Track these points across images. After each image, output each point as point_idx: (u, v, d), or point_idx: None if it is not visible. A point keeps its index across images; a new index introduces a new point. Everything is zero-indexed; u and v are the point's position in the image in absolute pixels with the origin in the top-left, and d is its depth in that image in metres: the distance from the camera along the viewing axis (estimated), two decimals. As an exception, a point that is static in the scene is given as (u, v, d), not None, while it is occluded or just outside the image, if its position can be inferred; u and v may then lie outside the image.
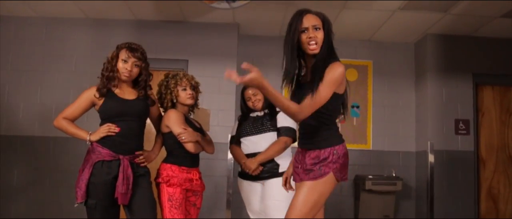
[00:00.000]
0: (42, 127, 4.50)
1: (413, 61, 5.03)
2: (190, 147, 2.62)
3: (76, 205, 2.44)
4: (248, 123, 3.15)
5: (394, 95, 5.00)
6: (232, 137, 3.27)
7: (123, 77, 2.55)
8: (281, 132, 3.04)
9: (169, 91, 2.74)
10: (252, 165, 2.97)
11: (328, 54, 2.09)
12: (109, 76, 2.54)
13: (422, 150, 4.70)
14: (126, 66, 2.52)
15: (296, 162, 2.25)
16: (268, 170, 3.00)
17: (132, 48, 2.54)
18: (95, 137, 2.47)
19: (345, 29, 4.58)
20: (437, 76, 4.67)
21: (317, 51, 2.07)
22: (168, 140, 2.70)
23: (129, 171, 2.45)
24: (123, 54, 2.53)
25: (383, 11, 4.14)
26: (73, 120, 2.59)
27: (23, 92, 4.55)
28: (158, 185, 2.64)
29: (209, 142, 2.85)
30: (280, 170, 2.97)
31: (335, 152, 2.10)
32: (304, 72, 2.25)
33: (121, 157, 2.46)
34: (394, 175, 4.59)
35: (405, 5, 3.96)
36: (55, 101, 4.51)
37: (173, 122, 2.65)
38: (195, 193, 2.73)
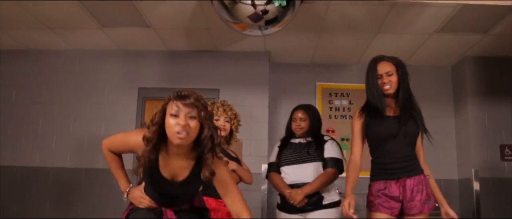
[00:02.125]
0: (74, 159, 4.51)
1: (451, 85, 4.84)
2: None
3: None
4: (290, 150, 3.01)
5: (433, 121, 4.73)
6: (271, 164, 3.10)
7: (177, 141, 1.76)
8: (329, 163, 2.89)
9: None
10: (298, 197, 2.81)
11: (409, 94, 2.51)
12: (150, 140, 1.80)
13: (466, 178, 4.44)
14: (178, 121, 1.75)
15: (382, 194, 2.41)
16: (312, 202, 2.83)
17: (183, 96, 1.80)
18: (131, 199, 2.04)
19: (379, 54, 4.42)
20: (478, 100, 4.47)
21: (391, 91, 2.47)
22: None
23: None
24: (171, 108, 1.78)
25: (419, 34, 4.02)
26: (119, 154, 2.12)
27: (56, 124, 4.59)
28: None
29: (246, 172, 2.74)
30: (324, 202, 2.84)
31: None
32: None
33: (163, 208, 1.99)
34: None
35: (442, 27, 3.83)
36: (87, 133, 4.53)
37: None
38: None
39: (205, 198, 2.49)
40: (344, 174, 2.77)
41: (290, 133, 3.10)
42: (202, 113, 1.80)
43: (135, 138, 1.91)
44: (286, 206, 2.91)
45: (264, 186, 4.32)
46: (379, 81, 2.48)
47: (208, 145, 1.81)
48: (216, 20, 3.59)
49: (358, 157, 2.51)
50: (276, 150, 3.13)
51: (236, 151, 2.94)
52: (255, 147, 4.40)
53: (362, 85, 4.70)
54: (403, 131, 2.43)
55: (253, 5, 2.90)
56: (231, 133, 2.79)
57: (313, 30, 4.00)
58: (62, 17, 3.86)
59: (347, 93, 4.73)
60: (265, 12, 2.82)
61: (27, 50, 4.71)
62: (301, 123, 3.01)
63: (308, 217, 2.85)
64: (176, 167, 1.89)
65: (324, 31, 4.00)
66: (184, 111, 1.77)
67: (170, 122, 1.77)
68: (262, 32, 3.25)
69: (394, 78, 2.48)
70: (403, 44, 4.25)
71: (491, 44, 4.18)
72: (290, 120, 3.11)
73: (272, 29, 3.21)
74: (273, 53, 4.62)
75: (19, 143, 4.57)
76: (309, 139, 3.02)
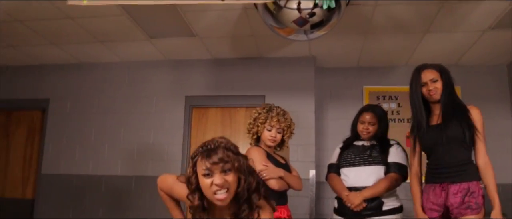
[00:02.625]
0: (125, 167, 4.64)
1: (507, 84, 4.59)
2: (272, 183, 2.50)
3: None
4: (352, 151, 2.92)
5: (488, 122, 4.51)
6: (331, 165, 3.03)
7: (219, 203, 1.63)
8: (392, 168, 2.78)
9: (256, 124, 2.65)
10: (356, 200, 2.71)
11: (453, 99, 2.50)
12: (196, 208, 1.69)
13: (524, 182, 4.20)
14: (213, 180, 1.61)
15: (428, 198, 2.42)
16: (372, 207, 2.73)
17: (209, 151, 1.63)
18: None
19: (428, 54, 4.30)
20: (537, 99, 4.22)
21: (437, 97, 2.50)
22: None
23: None
24: (200, 167, 1.63)
25: (471, 32, 3.84)
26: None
27: (108, 133, 4.75)
28: None
29: (295, 178, 2.69)
30: (384, 208, 2.73)
31: (481, 185, 2.32)
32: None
33: None
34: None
35: (497, 24, 3.65)
36: (137, 141, 4.65)
37: (254, 158, 2.55)
38: None
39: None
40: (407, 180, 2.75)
41: (355, 134, 3.01)
42: (236, 164, 1.63)
43: (179, 191, 1.86)
44: (343, 210, 2.82)
45: (313, 193, 4.26)
46: (424, 89, 2.54)
47: (243, 196, 1.67)
48: (260, 26, 3.62)
49: (418, 169, 2.59)
50: (337, 151, 3.06)
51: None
52: (302, 153, 4.35)
53: (411, 88, 4.58)
54: (444, 137, 2.42)
55: (299, 9, 2.88)
56: (282, 141, 2.76)
57: (359, 33, 3.92)
58: (112, 30, 4.00)
59: (395, 96, 4.59)
60: (312, 14, 2.78)
61: (80, 63, 4.92)
62: (370, 127, 2.92)
63: None
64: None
65: (370, 33, 3.91)
66: (217, 168, 1.61)
67: (205, 182, 1.62)
68: (308, 36, 3.21)
69: (439, 85, 2.52)
70: (454, 43, 4.08)
71: (552, 39, 3.94)
72: (356, 120, 3.01)
73: (317, 33, 3.17)
74: (319, 57, 4.57)
75: (73, 153, 4.76)
76: (373, 142, 2.92)
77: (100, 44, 4.36)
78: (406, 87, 4.45)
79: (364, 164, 2.83)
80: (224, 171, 1.62)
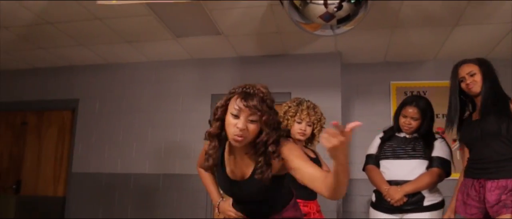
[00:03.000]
0: (153, 164, 4.70)
1: (542, 78, 4.44)
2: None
3: None
4: (394, 143, 2.81)
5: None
6: (369, 156, 2.92)
7: (233, 142, 1.71)
8: (436, 162, 2.66)
9: (286, 117, 2.63)
10: (397, 195, 2.61)
11: (493, 91, 2.40)
12: (212, 136, 1.80)
13: None
14: (237, 123, 1.66)
15: (468, 194, 2.35)
16: (412, 202, 2.62)
17: (247, 95, 1.69)
18: (221, 213, 2.11)
19: (458, 48, 4.21)
20: None
21: (476, 90, 2.43)
22: None
23: None
24: (233, 105, 1.70)
25: (504, 23, 3.72)
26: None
27: (135, 132, 4.82)
28: None
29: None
30: (426, 204, 2.63)
31: None
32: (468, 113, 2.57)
33: None
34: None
35: (531, 14, 3.53)
36: (164, 139, 4.71)
37: None
38: None
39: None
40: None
41: (397, 126, 2.89)
42: (264, 118, 1.67)
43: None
44: (381, 204, 2.73)
45: (340, 190, 4.21)
46: (463, 84, 2.49)
47: (260, 149, 1.71)
48: (286, 23, 3.61)
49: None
50: (377, 141, 2.94)
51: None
52: (329, 150, 4.31)
53: (440, 82, 4.50)
54: (480, 131, 2.36)
55: (325, 4, 2.85)
56: (312, 135, 2.73)
57: (386, 27, 3.86)
58: (140, 31, 4.06)
59: (424, 92, 4.50)
60: (339, 7, 2.75)
61: (108, 64, 5.01)
62: (412, 122, 2.79)
63: (405, 218, 2.65)
64: (241, 166, 1.80)
65: (397, 27, 3.84)
66: (245, 113, 1.66)
67: (230, 120, 1.69)
68: (334, 31, 3.18)
69: (477, 78, 2.45)
70: (485, 35, 3.96)
71: None
72: (399, 112, 2.88)
73: (344, 28, 3.13)
74: (344, 53, 4.52)
75: (103, 151, 4.86)
76: (416, 135, 2.80)
77: (127, 45, 4.43)
78: (435, 82, 4.45)
79: (407, 157, 2.72)
80: (250, 120, 1.67)
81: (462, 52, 4.34)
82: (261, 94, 1.71)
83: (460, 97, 2.54)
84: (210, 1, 3.43)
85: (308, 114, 2.63)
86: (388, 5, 3.43)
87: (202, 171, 2.17)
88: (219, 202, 2.10)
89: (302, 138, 2.63)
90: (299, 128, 2.60)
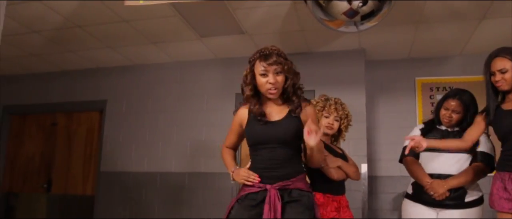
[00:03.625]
0: (178, 163, 4.79)
1: None
2: (332, 173, 2.49)
3: None
4: (437, 135, 2.71)
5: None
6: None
7: (270, 96, 2.11)
8: (480, 157, 2.57)
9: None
10: (441, 189, 2.51)
11: None
12: (249, 97, 2.16)
13: None
14: (268, 80, 2.06)
15: (505, 188, 2.27)
16: (454, 197, 2.54)
17: (266, 55, 2.08)
18: (235, 177, 2.23)
19: (484, 42, 4.13)
20: None
21: (505, 88, 2.38)
22: (309, 170, 2.60)
23: (277, 201, 2.04)
24: (258, 68, 2.09)
25: (533, 16, 3.65)
26: (235, 147, 2.42)
27: (161, 132, 4.91)
28: None
29: (353, 167, 2.66)
30: (467, 200, 2.56)
31: None
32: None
33: (268, 186, 2.09)
34: None
35: (561, 7, 3.45)
36: (190, 138, 4.78)
37: None
38: None
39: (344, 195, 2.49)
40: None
41: (438, 118, 2.80)
42: (286, 67, 2.10)
43: (237, 114, 2.29)
44: (420, 196, 2.64)
45: (364, 187, 4.20)
46: (493, 78, 2.42)
47: (290, 92, 2.14)
48: (309, 21, 3.62)
49: None
50: (417, 132, 2.82)
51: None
52: (354, 147, 4.29)
53: (466, 78, 4.43)
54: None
55: (349, 0, 2.86)
56: (339, 131, 2.74)
57: (410, 23, 3.83)
58: (165, 31, 4.14)
59: (450, 87, 4.41)
60: (365, 2, 2.75)
61: (134, 65, 5.12)
62: (453, 115, 2.69)
63: (444, 213, 2.58)
64: (274, 112, 2.17)
65: (422, 23, 3.81)
66: (271, 69, 2.06)
67: (261, 80, 2.09)
68: (358, 27, 3.17)
69: (508, 76, 2.36)
70: (512, 29, 3.90)
71: None
72: (441, 104, 2.77)
73: (368, 24, 3.13)
74: (368, 50, 4.50)
75: (129, 150, 4.97)
76: (458, 128, 2.71)
77: (153, 46, 4.52)
78: (461, 78, 4.39)
79: (449, 151, 2.62)
80: (276, 73, 2.07)
81: (489, 47, 4.18)
82: (276, 50, 2.12)
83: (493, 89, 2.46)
84: (234, 1, 3.47)
85: (336, 108, 2.65)
86: (413, 1, 3.40)
87: (224, 149, 2.41)
88: (234, 170, 2.25)
89: (329, 132, 2.65)
90: (327, 122, 2.62)
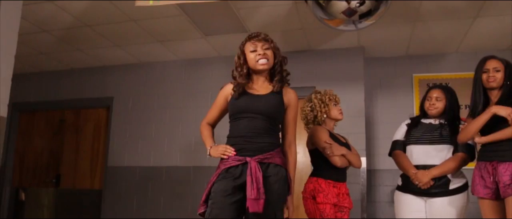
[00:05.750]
0: (184, 158, 4.93)
1: None
2: (336, 160, 2.65)
3: None
4: (421, 129, 2.91)
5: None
6: (396, 142, 3.03)
7: (260, 67, 2.31)
8: (461, 147, 2.78)
9: (323, 105, 2.80)
10: (425, 178, 2.71)
11: (510, 92, 2.55)
12: (240, 73, 2.35)
13: None
14: (258, 52, 2.30)
15: (482, 176, 2.52)
16: (439, 185, 2.74)
17: (255, 35, 2.35)
18: (212, 153, 2.34)
19: (479, 40, 4.28)
20: None
21: (493, 85, 2.61)
22: (314, 156, 2.75)
23: (258, 172, 2.14)
24: (248, 47, 2.34)
25: (525, 15, 3.80)
26: (214, 122, 2.55)
27: (167, 127, 5.06)
28: (304, 198, 2.69)
29: (355, 156, 2.82)
30: (451, 187, 2.74)
31: None
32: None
33: (248, 159, 2.19)
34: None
35: (552, 5, 3.59)
36: (194, 134, 4.92)
37: (319, 137, 2.71)
38: (341, 209, 2.71)
39: (314, 178, 2.66)
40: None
41: (423, 112, 3.02)
42: (272, 44, 2.35)
43: (222, 89, 2.47)
44: (408, 187, 2.83)
45: (363, 180, 4.35)
46: (485, 75, 2.63)
47: (277, 69, 2.36)
48: (310, 20, 3.76)
49: None
50: (404, 127, 3.05)
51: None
52: (353, 142, 4.33)
53: (462, 74, 4.59)
54: (494, 119, 2.49)
55: (347, 0, 3.00)
56: None
57: (408, 21, 3.98)
58: (171, 30, 4.29)
59: (446, 83, 4.56)
60: (362, 3, 2.90)
61: (140, 63, 5.27)
62: (436, 103, 2.89)
63: (432, 201, 2.76)
64: (259, 88, 2.36)
65: (419, 21, 3.95)
66: (259, 45, 2.31)
67: (251, 56, 2.32)
68: (356, 26, 3.31)
69: (499, 75, 2.60)
70: (506, 26, 4.01)
71: None
72: (424, 98, 3.01)
73: (366, 23, 3.26)
74: (367, 47, 4.65)
75: (136, 146, 5.12)
76: (442, 121, 2.91)
77: (159, 44, 4.67)
78: (457, 74, 4.54)
79: (434, 143, 2.81)
80: (265, 48, 2.32)
81: (484, 44, 4.43)
82: (262, 34, 2.36)
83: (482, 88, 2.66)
84: (238, 1, 3.62)
85: (336, 95, 2.90)
86: (409, 0, 3.54)
87: (204, 124, 2.53)
88: (212, 146, 2.37)
89: (342, 116, 2.89)
90: (338, 109, 2.86)
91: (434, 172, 2.72)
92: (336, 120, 2.87)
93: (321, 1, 3.11)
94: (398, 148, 2.98)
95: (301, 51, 4.76)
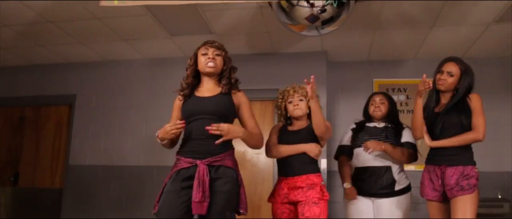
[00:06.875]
0: (147, 157, 4.91)
1: (512, 77, 4.74)
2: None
3: None
4: (366, 133, 3.05)
5: (494, 114, 4.71)
6: (342, 147, 3.15)
7: (208, 69, 2.43)
8: (406, 145, 2.94)
9: (281, 105, 2.86)
10: (377, 146, 2.80)
11: (462, 95, 2.60)
12: (188, 76, 2.50)
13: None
14: (208, 55, 2.42)
15: (430, 179, 2.63)
16: (385, 187, 2.87)
17: (210, 42, 2.50)
18: (163, 134, 2.38)
19: (435, 48, 4.48)
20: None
21: (441, 88, 2.67)
22: None
23: (205, 176, 2.20)
24: (201, 51, 2.47)
25: (476, 25, 4.01)
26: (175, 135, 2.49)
27: (130, 126, 5.03)
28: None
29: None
30: (397, 188, 2.88)
31: (477, 170, 2.54)
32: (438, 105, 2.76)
33: (198, 162, 2.27)
34: (499, 197, 4.30)
35: (501, 17, 3.81)
36: (158, 134, 4.91)
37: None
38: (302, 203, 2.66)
39: (305, 175, 2.64)
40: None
41: (367, 117, 3.16)
42: (224, 53, 2.49)
43: (176, 100, 2.59)
44: (358, 189, 2.95)
45: (324, 181, 4.44)
46: (437, 75, 2.69)
47: (226, 75, 2.46)
48: (274, 23, 3.83)
49: None
50: (349, 133, 3.17)
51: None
52: (315, 143, 4.56)
53: (419, 80, 4.75)
54: (442, 124, 2.62)
55: (310, 6, 3.09)
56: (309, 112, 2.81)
57: (369, 28, 4.12)
58: (136, 29, 4.27)
59: (404, 88, 4.79)
60: (323, 11, 2.99)
61: (105, 61, 5.21)
62: (381, 105, 3.06)
63: (379, 201, 2.88)
64: (206, 91, 2.46)
65: (379, 28, 4.11)
66: (211, 50, 2.45)
67: (202, 59, 2.45)
68: (319, 32, 3.41)
69: (451, 80, 2.64)
70: (460, 36, 4.25)
71: (555, 32, 4.08)
72: (367, 104, 3.17)
73: (328, 29, 3.36)
74: (330, 52, 4.78)
75: (99, 144, 5.06)
76: (385, 124, 3.06)
77: (124, 43, 4.63)
78: (415, 80, 4.72)
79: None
80: (216, 54, 2.46)
81: (440, 52, 4.61)
82: (217, 43, 2.50)
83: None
84: (204, 2, 3.64)
85: (294, 91, 2.84)
86: (370, 7, 3.68)
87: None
88: (160, 130, 2.44)
89: (300, 112, 2.79)
90: (292, 105, 2.79)
91: (386, 146, 2.83)
92: (293, 117, 2.82)
93: (284, 6, 3.19)
94: (344, 153, 3.13)
95: (265, 54, 4.84)
